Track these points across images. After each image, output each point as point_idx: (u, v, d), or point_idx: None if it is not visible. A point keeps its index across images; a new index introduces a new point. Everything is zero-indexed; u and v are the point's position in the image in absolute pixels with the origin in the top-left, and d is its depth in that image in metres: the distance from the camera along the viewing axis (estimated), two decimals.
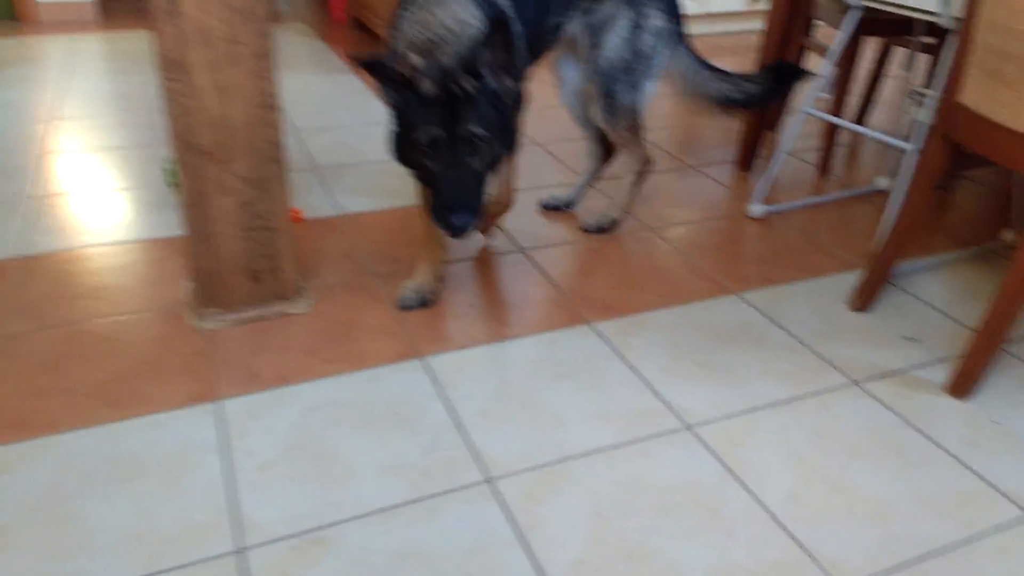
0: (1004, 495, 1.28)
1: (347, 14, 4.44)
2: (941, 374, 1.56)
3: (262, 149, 1.60)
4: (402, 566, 1.14)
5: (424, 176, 1.54)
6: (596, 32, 1.91)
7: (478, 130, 1.47)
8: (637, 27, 1.90)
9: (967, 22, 1.52)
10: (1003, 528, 1.21)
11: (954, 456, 1.36)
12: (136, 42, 4.04)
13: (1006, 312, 1.43)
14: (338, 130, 2.87)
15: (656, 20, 1.91)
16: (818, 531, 1.21)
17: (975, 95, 1.51)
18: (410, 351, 1.62)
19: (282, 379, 1.53)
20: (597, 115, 1.99)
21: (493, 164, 1.55)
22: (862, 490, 1.29)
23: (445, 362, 1.59)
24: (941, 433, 1.41)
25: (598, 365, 1.58)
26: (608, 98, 1.94)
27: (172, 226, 2.10)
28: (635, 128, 2.01)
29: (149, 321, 1.69)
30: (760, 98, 2.03)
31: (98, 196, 2.30)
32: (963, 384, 1.50)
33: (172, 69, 1.48)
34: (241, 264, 1.68)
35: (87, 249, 1.99)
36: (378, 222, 2.18)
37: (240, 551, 1.16)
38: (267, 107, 1.58)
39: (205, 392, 1.48)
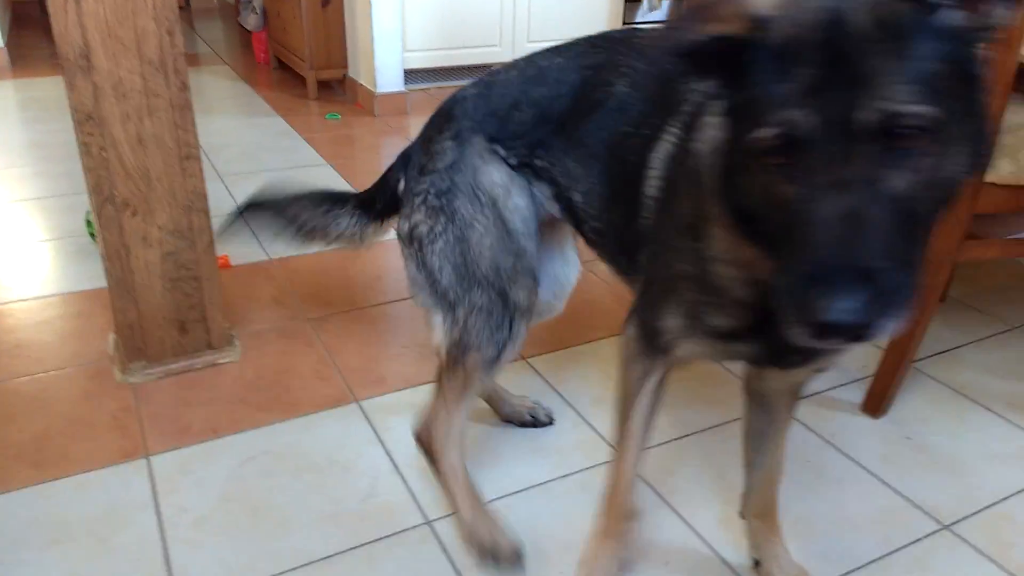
0: (920, 508, 1.35)
1: (269, 55, 4.43)
2: (856, 393, 1.64)
3: (184, 200, 1.59)
4: None
5: (771, 228, 0.72)
6: None
7: (912, 107, 0.65)
8: None
9: None
10: (920, 541, 1.29)
11: (871, 472, 1.43)
12: (48, 88, 3.94)
13: (911, 331, 1.53)
14: (263, 174, 2.85)
15: None
16: (747, 554, 1.25)
17: None
18: (344, 396, 1.62)
19: (213, 431, 1.50)
20: None
21: (944, 198, 0.71)
22: (787, 510, 1.34)
23: (380, 405, 1.59)
24: (859, 451, 1.49)
25: (534, 400, 1.60)
26: None
27: (95, 278, 2.05)
28: None
29: (73, 377, 1.65)
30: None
31: (18, 249, 2.23)
32: (876, 402, 1.58)
33: (87, 123, 1.47)
34: (167, 315, 1.66)
35: (7, 305, 1.93)
36: (307, 266, 2.17)
37: None
38: (187, 157, 1.57)
39: (133, 448, 1.45)
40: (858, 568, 1.23)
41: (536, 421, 1.54)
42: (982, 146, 0.72)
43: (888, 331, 0.65)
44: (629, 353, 1.05)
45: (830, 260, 0.64)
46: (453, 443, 1.24)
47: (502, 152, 1.15)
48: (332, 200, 1.33)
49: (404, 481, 1.39)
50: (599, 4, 4.26)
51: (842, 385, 1.68)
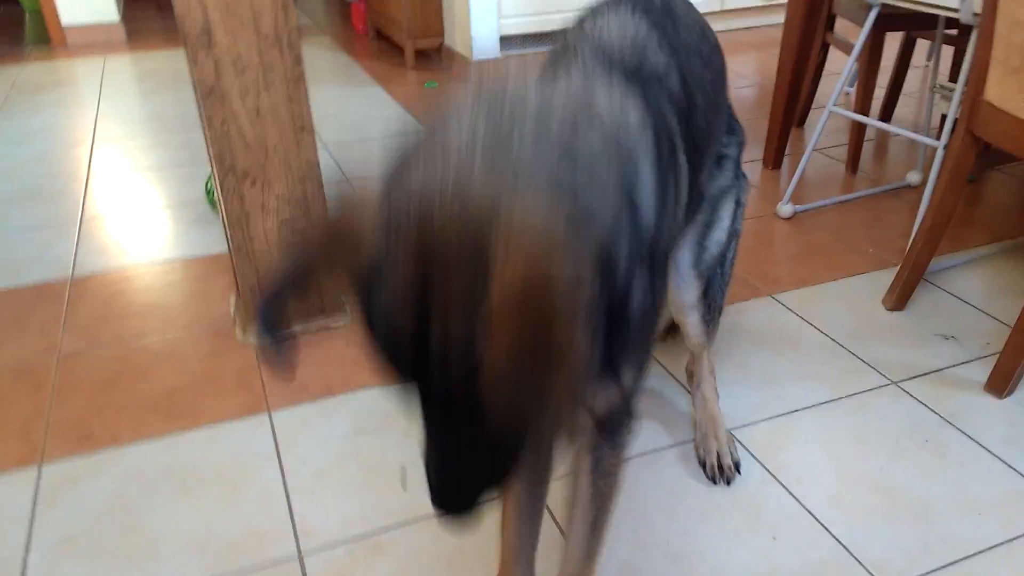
0: None
1: (368, 25, 4.50)
2: (979, 372, 1.57)
3: (299, 170, 1.65)
4: (448, 567, 1.18)
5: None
6: (711, 206, 1.27)
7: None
8: (739, 203, 1.31)
9: (987, 19, 1.52)
10: None
11: (995, 455, 1.37)
12: (163, 62, 4.13)
13: None
14: (367, 143, 2.92)
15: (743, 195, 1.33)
16: (861, 532, 1.22)
17: (999, 92, 1.51)
18: None
19: (328, 390, 1.57)
20: (692, 325, 1.35)
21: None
22: (903, 491, 1.30)
23: None
24: (982, 432, 1.42)
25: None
26: (708, 299, 1.32)
27: (214, 243, 2.16)
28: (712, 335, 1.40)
29: (199, 337, 1.75)
30: None
31: (142, 216, 2.37)
32: (1002, 381, 1.50)
33: (208, 96, 1.53)
34: None
35: (135, 269, 2.06)
36: None
37: (298, 556, 1.20)
38: (301, 129, 1.62)
39: (256, 404, 1.53)
40: (980, 552, 1.18)
41: None
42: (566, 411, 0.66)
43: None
44: None
45: (435, 487, 0.69)
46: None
47: None
48: None
49: None
50: None
51: (965, 363, 1.60)
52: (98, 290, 1.96)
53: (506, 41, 3.85)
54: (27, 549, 1.23)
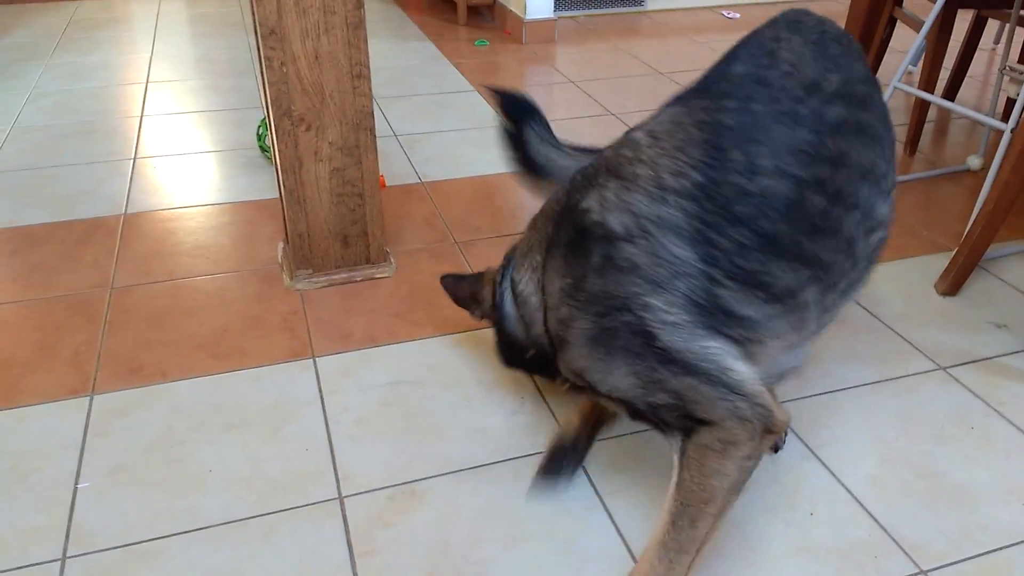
0: None
1: None
2: None
3: (353, 117, 1.65)
4: (485, 520, 1.19)
5: None
6: None
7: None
8: None
9: None
10: None
11: None
12: (215, 5, 4.14)
13: None
14: (414, 98, 2.91)
15: None
16: (900, 514, 1.21)
17: None
18: None
19: (372, 340, 1.59)
20: None
21: None
22: (946, 476, 1.29)
23: None
24: None
25: None
26: None
27: (264, 189, 2.18)
28: None
29: (247, 279, 1.78)
30: None
31: (193, 158, 2.39)
32: None
33: (269, 37, 1.53)
34: (332, 228, 1.74)
35: (186, 209, 2.09)
36: (456, 190, 2.22)
37: (339, 499, 1.23)
38: (358, 76, 1.62)
39: (301, 349, 1.55)
40: (1021, 542, 1.17)
41: None
42: None
43: None
44: None
45: None
46: None
47: None
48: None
49: (547, 403, 1.43)
50: None
51: (1016, 352, 1.57)
52: (150, 227, 1.99)
53: (560, 0, 3.79)
54: (78, 475, 1.27)
